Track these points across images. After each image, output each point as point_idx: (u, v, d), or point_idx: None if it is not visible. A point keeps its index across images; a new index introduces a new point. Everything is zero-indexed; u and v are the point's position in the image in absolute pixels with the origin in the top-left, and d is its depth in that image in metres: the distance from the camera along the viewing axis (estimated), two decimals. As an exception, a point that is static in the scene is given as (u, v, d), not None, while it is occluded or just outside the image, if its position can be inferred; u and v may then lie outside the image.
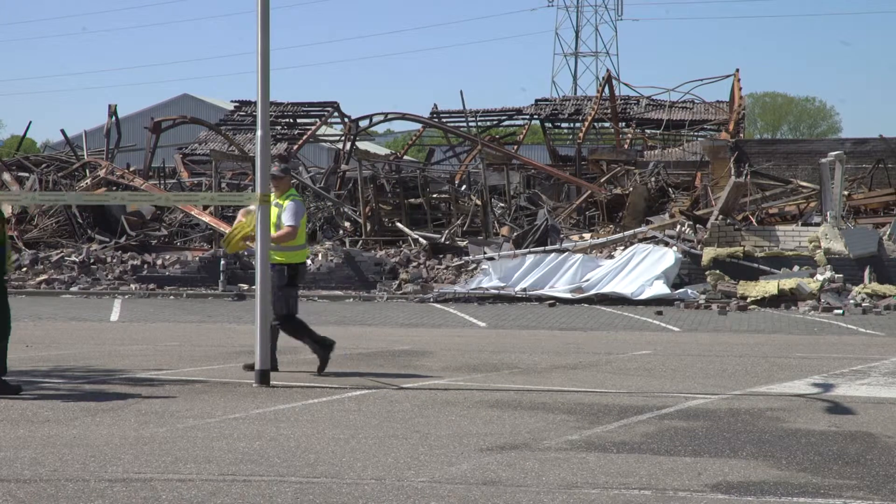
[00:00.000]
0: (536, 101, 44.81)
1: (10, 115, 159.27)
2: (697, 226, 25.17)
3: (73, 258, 25.86)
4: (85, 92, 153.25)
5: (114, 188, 29.89)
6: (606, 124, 43.76)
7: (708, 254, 23.15)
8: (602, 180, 33.46)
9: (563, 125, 47.37)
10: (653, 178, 32.20)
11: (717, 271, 22.76)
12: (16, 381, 9.99)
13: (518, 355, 13.53)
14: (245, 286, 23.55)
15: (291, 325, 11.36)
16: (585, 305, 21.88)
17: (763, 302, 21.51)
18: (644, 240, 24.84)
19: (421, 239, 27.13)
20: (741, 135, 37.71)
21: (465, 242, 27.08)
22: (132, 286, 24.33)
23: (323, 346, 11.38)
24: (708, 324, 18.64)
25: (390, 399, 9.74)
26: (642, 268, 22.94)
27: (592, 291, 22.58)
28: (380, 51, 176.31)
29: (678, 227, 25.53)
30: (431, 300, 22.60)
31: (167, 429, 8.17)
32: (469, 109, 44.43)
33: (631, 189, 30.83)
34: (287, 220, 11.13)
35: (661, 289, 22.28)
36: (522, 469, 6.90)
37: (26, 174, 31.07)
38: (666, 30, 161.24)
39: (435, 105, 44.86)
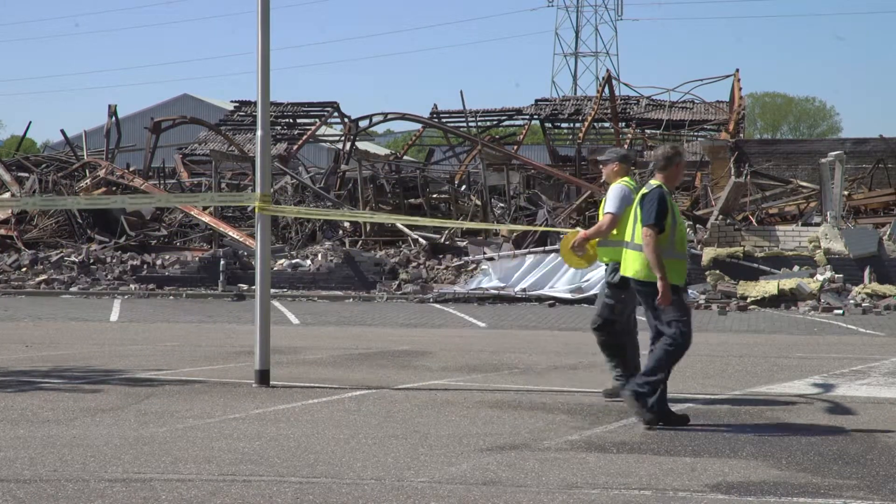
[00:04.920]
0: (536, 101, 44.80)
1: (10, 115, 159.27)
2: (697, 226, 25.17)
3: (72, 258, 25.85)
4: (85, 92, 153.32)
5: (114, 188, 29.89)
6: (606, 124, 43.75)
7: (708, 254, 23.15)
8: (602, 181, 33.43)
9: (563, 125, 47.35)
10: (653, 179, 32.16)
11: (717, 271, 22.76)
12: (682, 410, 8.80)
13: (518, 355, 13.52)
14: (245, 286, 23.54)
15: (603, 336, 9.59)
16: (585, 305, 21.86)
17: (763, 302, 21.50)
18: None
19: (421, 239, 27.12)
20: (741, 135, 37.72)
21: (464, 243, 27.07)
22: (132, 286, 24.32)
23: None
24: (708, 324, 18.62)
25: (390, 399, 9.74)
26: (642, 268, 22.91)
27: (592, 291, 22.53)
28: (380, 51, 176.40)
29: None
30: (431, 300, 22.60)
31: (167, 429, 8.16)
32: (469, 109, 44.43)
33: (631, 189, 30.78)
34: (607, 207, 9.57)
35: (661, 289, 22.25)
36: (522, 469, 6.90)
37: (26, 174, 31.06)
38: (666, 30, 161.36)
39: (435, 105, 44.89)
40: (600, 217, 9.72)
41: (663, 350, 8.53)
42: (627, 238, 8.77)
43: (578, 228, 10.48)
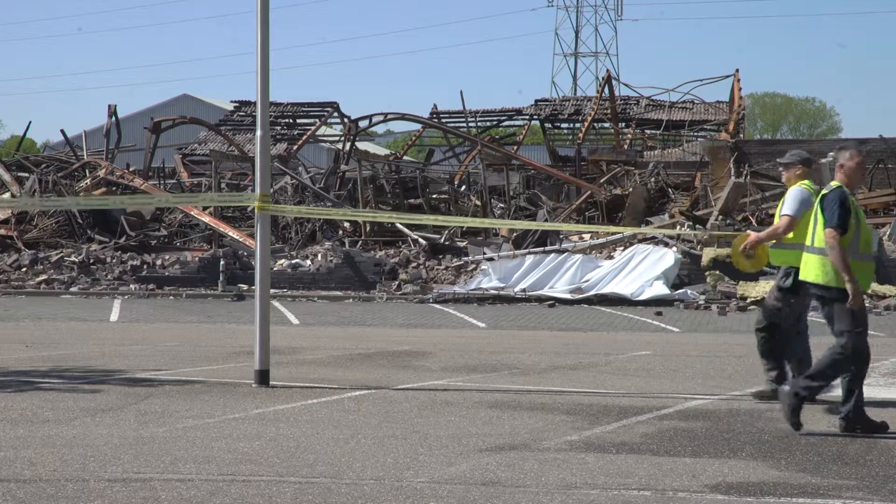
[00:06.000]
0: (536, 101, 44.79)
1: (10, 115, 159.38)
2: (697, 226, 25.17)
3: (72, 258, 25.86)
4: (85, 92, 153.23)
5: (114, 188, 29.90)
6: (606, 125, 43.74)
7: (708, 254, 23.14)
8: (602, 181, 33.45)
9: (563, 125, 47.36)
10: (652, 179, 32.19)
11: (717, 272, 22.75)
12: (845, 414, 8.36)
13: (517, 356, 13.52)
14: (245, 286, 23.54)
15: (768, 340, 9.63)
16: (585, 306, 21.88)
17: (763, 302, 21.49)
18: (644, 240, 24.84)
19: (420, 239, 27.13)
20: (741, 135, 37.74)
21: (464, 243, 27.09)
22: (132, 286, 24.32)
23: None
24: (708, 324, 18.63)
25: (389, 399, 9.74)
26: (642, 268, 22.94)
27: (592, 292, 22.58)
28: (380, 51, 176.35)
29: (678, 227, 25.53)
30: (431, 301, 22.60)
31: (167, 429, 8.17)
32: (469, 110, 44.43)
33: (631, 189, 30.84)
34: (784, 209, 9.48)
35: (660, 289, 22.27)
36: (522, 469, 6.90)
37: (26, 174, 31.07)
38: (666, 30, 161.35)
39: (435, 105, 44.90)
40: (776, 219, 9.64)
41: (830, 358, 8.50)
42: (808, 242, 8.50)
43: (750, 231, 10.40)
